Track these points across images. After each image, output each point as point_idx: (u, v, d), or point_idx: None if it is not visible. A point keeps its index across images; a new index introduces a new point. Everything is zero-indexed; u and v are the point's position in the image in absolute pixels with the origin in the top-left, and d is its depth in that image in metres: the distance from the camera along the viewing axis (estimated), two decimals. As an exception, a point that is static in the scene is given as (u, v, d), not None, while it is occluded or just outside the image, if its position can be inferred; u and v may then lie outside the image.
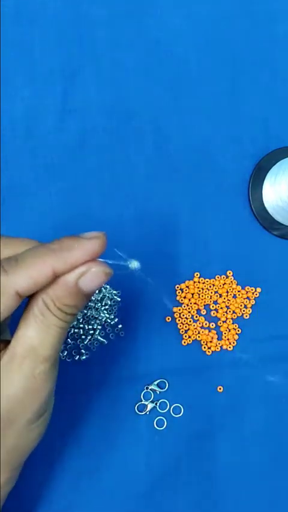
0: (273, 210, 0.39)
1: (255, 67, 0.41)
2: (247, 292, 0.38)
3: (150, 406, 0.36)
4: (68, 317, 0.25)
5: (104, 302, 0.37)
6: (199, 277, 0.38)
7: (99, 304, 0.37)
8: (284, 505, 0.37)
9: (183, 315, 0.38)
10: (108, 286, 0.37)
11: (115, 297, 0.37)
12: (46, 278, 0.23)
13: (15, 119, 0.39)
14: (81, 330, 0.37)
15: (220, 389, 0.37)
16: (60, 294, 0.24)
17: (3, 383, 0.24)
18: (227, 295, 0.38)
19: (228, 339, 0.38)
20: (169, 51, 0.40)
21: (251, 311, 0.38)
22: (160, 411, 0.37)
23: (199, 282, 0.38)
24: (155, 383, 0.37)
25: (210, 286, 0.38)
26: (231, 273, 0.39)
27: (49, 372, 0.25)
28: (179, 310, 0.38)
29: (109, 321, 0.37)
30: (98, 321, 0.37)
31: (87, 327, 0.37)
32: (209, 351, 0.38)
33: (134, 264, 0.27)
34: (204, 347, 0.38)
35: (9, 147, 0.39)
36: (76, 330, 0.37)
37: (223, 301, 0.38)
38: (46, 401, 0.25)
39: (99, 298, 0.37)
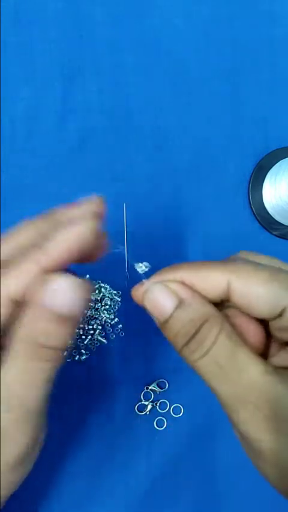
0: (273, 210, 0.39)
1: (255, 67, 0.41)
2: (247, 292, 0.38)
3: (150, 406, 0.36)
4: (48, 352, 0.20)
5: (104, 302, 0.37)
6: (199, 277, 0.38)
7: (99, 304, 0.37)
8: (284, 505, 0.37)
9: (183, 315, 0.38)
10: (108, 286, 0.37)
11: (115, 297, 0.37)
12: (35, 277, 0.19)
13: (15, 119, 0.39)
14: (81, 330, 0.37)
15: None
16: (34, 329, 0.19)
17: None
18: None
19: (228, 339, 0.38)
20: (169, 51, 0.40)
21: (251, 311, 0.38)
22: (160, 411, 0.37)
23: (199, 282, 0.38)
24: (155, 383, 0.37)
25: (210, 286, 0.38)
26: (231, 273, 0.39)
27: (22, 423, 0.20)
28: (179, 310, 0.38)
29: (109, 321, 0.37)
30: (98, 321, 0.37)
31: (87, 327, 0.37)
32: (209, 351, 0.38)
33: (142, 267, 0.23)
34: (204, 347, 0.38)
35: (9, 147, 0.39)
36: (76, 330, 0.37)
37: (223, 302, 0.38)
38: (21, 453, 0.21)
39: (99, 298, 0.37)
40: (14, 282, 0.19)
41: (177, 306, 0.20)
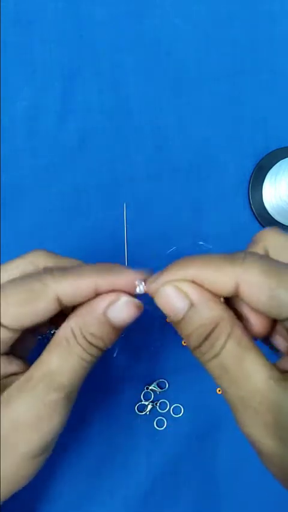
0: (273, 210, 0.39)
1: (255, 67, 0.41)
2: (247, 292, 0.38)
3: (150, 406, 0.36)
4: (93, 349, 0.23)
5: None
6: (199, 277, 0.38)
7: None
8: (284, 505, 0.37)
9: (183, 315, 0.38)
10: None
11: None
12: (87, 291, 0.22)
13: (15, 119, 0.39)
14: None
15: (219, 390, 0.37)
16: (87, 322, 0.22)
17: (12, 405, 0.22)
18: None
19: (228, 339, 0.38)
20: (169, 52, 0.40)
21: (251, 311, 0.38)
22: (160, 411, 0.37)
23: (199, 282, 0.38)
24: (155, 383, 0.37)
25: (210, 286, 0.38)
26: (231, 273, 0.39)
27: (61, 403, 0.22)
28: (179, 310, 0.38)
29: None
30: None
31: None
32: (209, 351, 0.38)
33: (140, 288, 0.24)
34: (204, 347, 0.38)
35: (9, 147, 0.39)
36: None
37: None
38: (52, 436, 0.23)
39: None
40: (67, 284, 0.22)
41: (188, 308, 0.21)
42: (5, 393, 0.22)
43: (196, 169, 0.40)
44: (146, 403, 0.37)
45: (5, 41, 0.39)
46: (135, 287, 0.23)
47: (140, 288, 0.23)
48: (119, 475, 0.36)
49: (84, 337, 0.22)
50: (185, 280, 0.21)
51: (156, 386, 0.37)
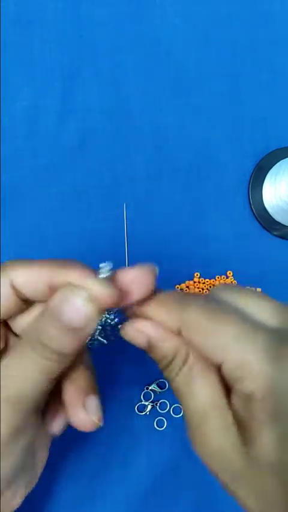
0: (273, 210, 0.39)
1: (255, 67, 0.41)
2: (247, 292, 0.38)
3: (150, 406, 0.36)
4: (52, 356, 0.21)
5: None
6: (199, 278, 0.38)
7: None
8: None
9: (183, 315, 0.38)
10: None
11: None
12: (41, 282, 0.22)
13: (15, 119, 0.39)
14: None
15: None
16: (42, 325, 0.21)
17: None
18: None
19: (228, 339, 0.38)
20: (169, 51, 0.40)
21: (251, 311, 0.38)
22: (160, 411, 0.37)
23: (199, 282, 0.38)
24: (155, 383, 0.37)
25: (210, 287, 0.38)
26: (231, 273, 0.39)
27: (12, 412, 0.21)
28: (179, 310, 0.38)
29: (109, 321, 0.37)
30: (98, 322, 0.37)
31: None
32: (209, 351, 0.38)
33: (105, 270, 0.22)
34: (204, 347, 0.38)
35: (9, 147, 0.39)
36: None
37: (223, 302, 0.38)
38: (13, 468, 0.22)
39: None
40: (19, 272, 0.22)
41: (148, 344, 0.23)
42: None
43: (196, 169, 0.40)
44: (146, 403, 0.37)
45: (5, 41, 0.39)
46: (100, 274, 0.21)
47: (105, 271, 0.21)
48: (119, 475, 0.36)
49: (40, 342, 0.21)
50: (144, 320, 0.23)
51: (156, 386, 0.37)
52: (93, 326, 0.21)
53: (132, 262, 0.38)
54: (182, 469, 0.36)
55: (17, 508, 0.27)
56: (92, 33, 0.40)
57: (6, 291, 0.23)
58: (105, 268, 0.21)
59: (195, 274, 0.38)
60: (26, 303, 0.24)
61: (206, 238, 0.39)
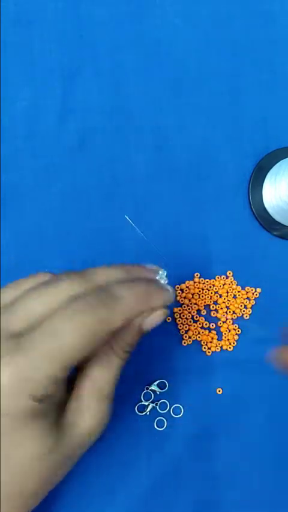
0: (273, 210, 0.39)
1: (255, 67, 0.41)
2: (247, 292, 0.38)
3: (150, 407, 0.36)
4: (126, 355, 0.27)
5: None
6: (199, 278, 0.38)
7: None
8: (284, 505, 0.37)
9: (183, 316, 0.38)
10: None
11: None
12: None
13: (15, 119, 0.39)
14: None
15: (220, 390, 0.37)
16: (124, 339, 0.26)
17: (75, 423, 0.26)
18: (227, 296, 0.38)
19: (228, 339, 0.38)
20: (169, 51, 0.40)
21: (251, 311, 0.38)
22: (160, 411, 0.37)
23: (199, 282, 0.38)
24: (155, 383, 0.37)
25: (210, 287, 0.38)
26: (231, 274, 0.39)
27: (108, 408, 0.27)
28: (179, 310, 0.38)
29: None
30: None
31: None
32: (209, 352, 0.38)
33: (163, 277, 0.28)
34: (204, 347, 0.38)
35: (9, 147, 0.39)
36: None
37: (223, 302, 0.38)
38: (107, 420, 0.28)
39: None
40: (121, 319, 0.24)
41: None
42: (68, 417, 0.26)
43: (196, 169, 0.40)
44: (146, 403, 0.37)
45: (5, 41, 0.39)
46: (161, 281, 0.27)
47: (164, 279, 0.28)
48: (119, 475, 0.36)
49: (120, 347, 0.26)
50: None
51: (156, 387, 0.37)
52: None
53: (132, 262, 0.38)
54: (182, 469, 0.36)
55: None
56: (92, 33, 0.40)
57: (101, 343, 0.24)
58: (163, 275, 0.28)
59: (195, 274, 0.38)
60: None
61: (206, 238, 0.39)
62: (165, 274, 0.28)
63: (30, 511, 0.26)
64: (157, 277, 0.27)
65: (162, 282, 0.27)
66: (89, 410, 0.26)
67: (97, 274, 0.26)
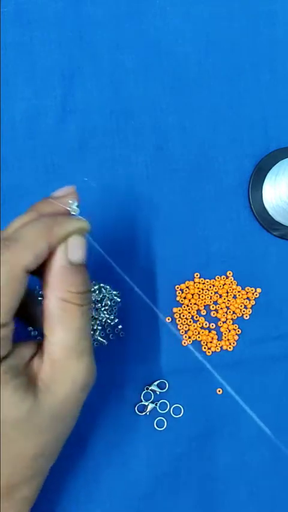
0: (273, 211, 0.39)
1: (255, 67, 0.41)
2: (247, 292, 0.38)
3: (150, 407, 0.36)
4: (84, 297, 0.25)
5: (104, 303, 0.37)
6: (199, 278, 0.38)
7: (99, 304, 0.37)
8: (283, 505, 0.37)
9: (183, 316, 0.38)
10: (108, 287, 0.37)
11: (115, 297, 0.37)
12: (44, 254, 0.24)
13: (15, 119, 0.39)
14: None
15: (220, 390, 0.37)
16: (67, 281, 0.25)
17: (52, 390, 0.25)
18: (227, 296, 0.38)
19: (228, 339, 0.38)
20: (169, 51, 0.40)
21: (251, 312, 0.38)
22: (160, 411, 0.37)
23: (199, 282, 0.38)
24: (155, 383, 0.37)
25: (210, 287, 0.38)
26: (231, 274, 0.39)
27: (92, 363, 0.26)
28: (179, 310, 0.38)
29: (109, 321, 0.37)
30: (98, 322, 0.37)
31: (87, 328, 0.37)
32: (209, 352, 0.38)
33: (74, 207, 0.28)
34: (204, 348, 0.38)
35: (9, 147, 0.39)
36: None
37: (223, 302, 0.38)
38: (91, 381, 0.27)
39: (99, 299, 0.37)
40: (27, 255, 0.24)
41: None
42: (44, 380, 0.25)
43: (196, 169, 0.40)
44: (146, 403, 0.37)
45: (5, 41, 0.39)
46: (71, 212, 0.27)
47: (74, 209, 0.27)
48: (118, 475, 0.36)
49: (73, 294, 0.25)
50: None
51: (156, 387, 0.37)
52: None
53: (133, 262, 0.38)
54: (182, 469, 0.36)
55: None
56: (92, 33, 0.40)
57: (23, 281, 0.24)
58: (74, 205, 0.28)
59: (195, 275, 0.38)
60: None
61: (206, 238, 0.39)
62: (75, 204, 0.28)
63: (41, 478, 0.28)
64: (68, 208, 0.27)
65: (72, 212, 0.27)
66: (65, 373, 0.25)
67: (9, 227, 0.27)
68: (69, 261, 0.25)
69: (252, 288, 0.38)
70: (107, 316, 0.37)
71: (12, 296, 0.23)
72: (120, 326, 0.37)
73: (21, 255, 0.23)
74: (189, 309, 0.38)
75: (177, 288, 0.38)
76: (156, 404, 0.37)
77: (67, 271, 0.25)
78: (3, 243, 0.24)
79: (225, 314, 0.38)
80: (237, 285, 0.39)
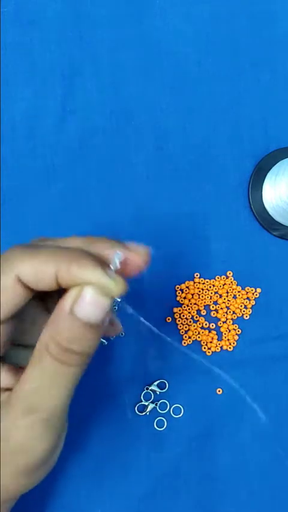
0: (273, 211, 0.39)
1: (255, 67, 0.40)
2: (247, 292, 0.38)
3: (150, 407, 0.36)
4: (75, 359, 0.20)
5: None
6: (199, 278, 0.38)
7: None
8: (283, 505, 0.37)
9: (183, 316, 0.38)
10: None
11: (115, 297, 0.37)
12: (48, 280, 0.20)
13: (15, 120, 0.39)
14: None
15: (220, 390, 0.37)
16: (59, 328, 0.20)
17: None
18: (227, 296, 0.38)
19: (228, 339, 0.38)
20: (169, 51, 0.40)
21: (251, 312, 0.38)
22: (160, 411, 0.37)
23: (199, 282, 0.38)
24: (155, 383, 0.37)
25: (210, 287, 0.38)
26: (231, 274, 0.39)
27: (46, 431, 0.21)
28: (179, 310, 0.38)
29: (109, 321, 0.37)
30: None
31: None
32: (209, 352, 0.38)
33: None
34: (204, 348, 0.38)
35: (9, 147, 0.39)
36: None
37: (223, 302, 0.38)
38: (40, 457, 0.21)
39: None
40: (27, 265, 0.21)
41: None
42: None
43: (196, 169, 0.40)
44: (146, 403, 0.37)
45: (5, 41, 0.39)
46: (110, 264, 0.21)
47: (114, 262, 0.21)
48: (118, 475, 0.36)
49: (59, 344, 0.20)
50: None
51: (156, 387, 0.37)
52: (108, 318, 0.21)
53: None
54: (182, 469, 0.36)
55: (15, 509, 0.27)
56: (92, 33, 0.40)
57: (12, 286, 0.21)
58: (116, 259, 0.22)
59: (195, 275, 0.38)
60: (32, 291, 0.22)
61: (206, 238, 0.39)
62: (118, 257, 0.22)
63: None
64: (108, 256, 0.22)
65: (111, 266, 0.21)
66: (7, 420, 0.20)
67: (58, 241, 0.23)
68: (71, 311, 0.20)
69: (252, 288, 0.38)
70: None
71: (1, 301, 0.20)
72: (120, 326, 0.37)
73: (17, 262, 0.21)
74: (189, 309, 0.38)
75: (177, 288, 0.38)
76: (156, 404, 0.37)
77: (66, 319, 0.20)
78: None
79: (225, 314, 0.38)
80: (237, 285, 0.39)
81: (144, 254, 0.23)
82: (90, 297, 0.20)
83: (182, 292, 0.38)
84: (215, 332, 0.38)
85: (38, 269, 0.20)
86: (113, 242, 0.22)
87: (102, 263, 0.21)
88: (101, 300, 0.20)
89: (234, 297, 0.38)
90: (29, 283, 0.21)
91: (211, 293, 0.38)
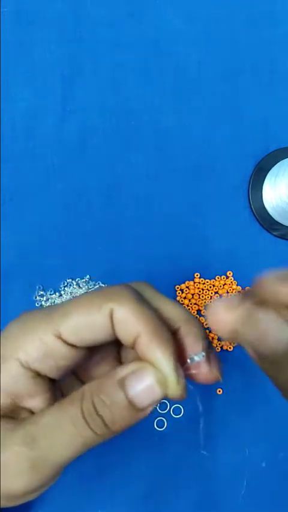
0: (273, 211, 0.39)
1: (255, 67, 0.40)
2: (247, 292, 0.38)
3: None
4: (100, 427, 0.19)
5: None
6: (199, 278, 0.38)
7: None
8: (283, 505, 0.37)
9: (183, 316, 0.38)
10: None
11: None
12: (131, 330, 0.19)
13: (15, 120, 0.39)
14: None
15: (220, 390, 0.37)
16: (102, 387, 0.19)
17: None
18: (227, 296, 0.38)
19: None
20: (169, 51, 0.40)
21: (251, 311, 0.38)
22: (160, 411, 0.37)
23: (199, 282, 0.38)
24: (155, 383, 0.37)
25: (210, 287, 0.38)
26: (231, 274, 0.39)
27: (30, 473, 0.20)
28: (179, 310, 0.38)
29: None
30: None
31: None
32: (209, 352, 0.38)
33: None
34: (204, 348, 0.38)
35: (9, 147, 0.39)
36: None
37: (223, 302, 0.38)
38: (39, 488, 0.21)
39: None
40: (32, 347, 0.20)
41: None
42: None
43: (196, 169, 0.40)
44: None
45: (5, 41, 0.39)
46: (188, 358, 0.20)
47: (198, 355, 0.20)
48: (118, 475, 0.36)
49: (93, 404, 0.19)
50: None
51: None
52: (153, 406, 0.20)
53: (132, 262, 0.38)
54: (182, 469, 0.36)
55: (15, 509, 0.27)
56: (92, 33, 0.40)
57: (106, 324, 0.19)
58: (196, 358, 0.21)
59: (195, 275, 0.38)
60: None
61: (206, 238, 0.39)
62: (199, 358, 0.21)
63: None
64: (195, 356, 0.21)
65: (194, 356, 0.21)
66: (9, 452, 0.19)
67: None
68: (122, 381, 0.19)
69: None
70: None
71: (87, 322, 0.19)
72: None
73: (18, 350, 0.19)
74: (189, 309, 0.38)
75: (177, 288, 0.38)
76: (156, 404, 0.37)
77: (112, 385, 0.19)
78: None
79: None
80: (237, 285, 0.39)
81: (215, 375, 0.22)
82: (149, 382, 0.19)
83: (182, 292, 0.38)
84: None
85: (125, 318, 0.19)
86: (202, 337, 0.22)
87: (178, 351, 0.20)
88: (156, 391, 0.19)
89: (234, 297, 0.38)
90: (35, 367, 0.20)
91: (211, 293, 0.38)
